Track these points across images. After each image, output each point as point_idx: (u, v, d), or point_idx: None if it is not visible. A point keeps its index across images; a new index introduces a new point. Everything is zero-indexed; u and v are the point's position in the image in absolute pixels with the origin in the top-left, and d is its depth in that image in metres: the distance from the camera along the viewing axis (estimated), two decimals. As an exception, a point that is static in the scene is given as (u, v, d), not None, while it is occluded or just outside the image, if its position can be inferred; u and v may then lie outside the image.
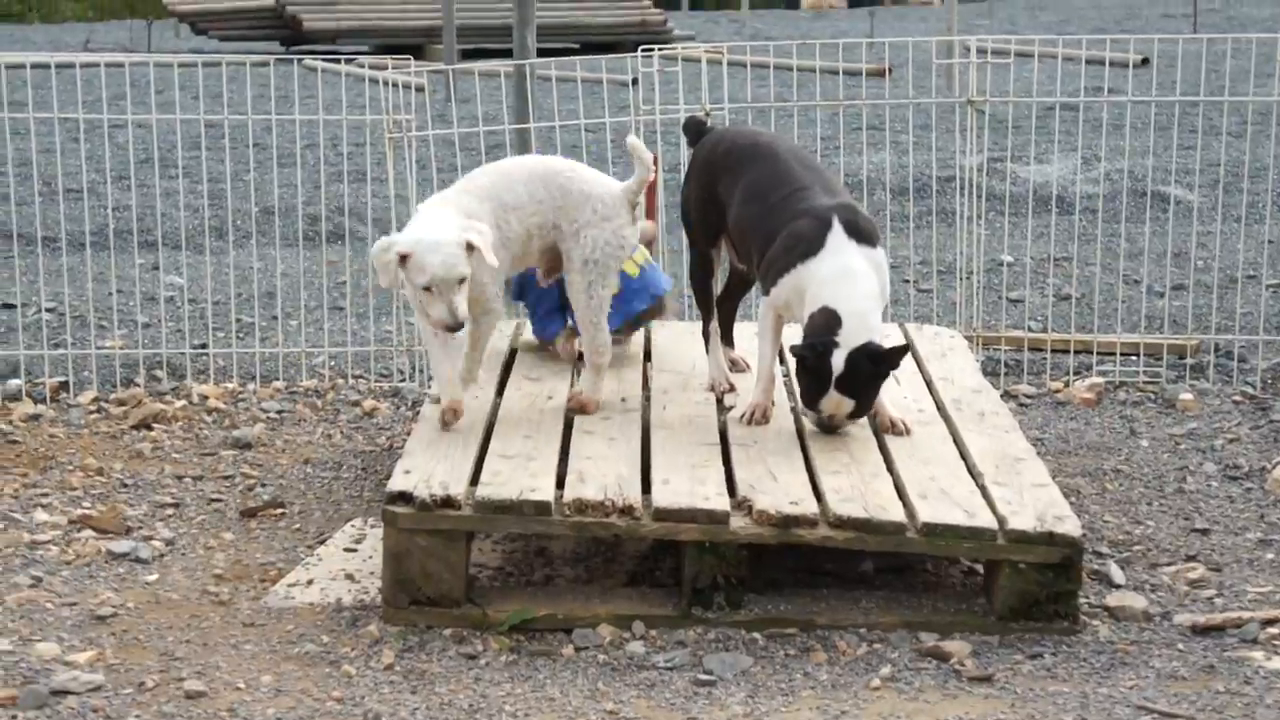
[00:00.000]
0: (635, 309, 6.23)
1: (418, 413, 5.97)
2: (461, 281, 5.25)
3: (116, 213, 9.24)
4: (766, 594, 5.06)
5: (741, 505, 5.06)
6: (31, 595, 5.12)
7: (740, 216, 5.76)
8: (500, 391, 5.93)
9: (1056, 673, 4.66)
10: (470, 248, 5.26)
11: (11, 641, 4.73)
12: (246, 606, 5.16)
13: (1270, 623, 4.87)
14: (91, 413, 7.01)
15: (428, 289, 5.23)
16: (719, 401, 5.97)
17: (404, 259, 5.24)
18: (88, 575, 5.36)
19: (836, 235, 5.46)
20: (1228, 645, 4.79)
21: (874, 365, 5.38)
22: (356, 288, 8.50)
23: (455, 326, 5.28)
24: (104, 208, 9.30)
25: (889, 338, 5.52)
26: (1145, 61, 15.33)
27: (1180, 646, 4.77)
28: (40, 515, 5.88)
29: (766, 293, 5.67)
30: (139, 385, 7.30)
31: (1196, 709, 4.40)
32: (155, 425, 6.82)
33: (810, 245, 5.48)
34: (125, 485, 6.24)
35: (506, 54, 10.25)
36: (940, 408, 6.00)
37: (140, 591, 5.26)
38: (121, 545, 5.59)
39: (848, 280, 5.42)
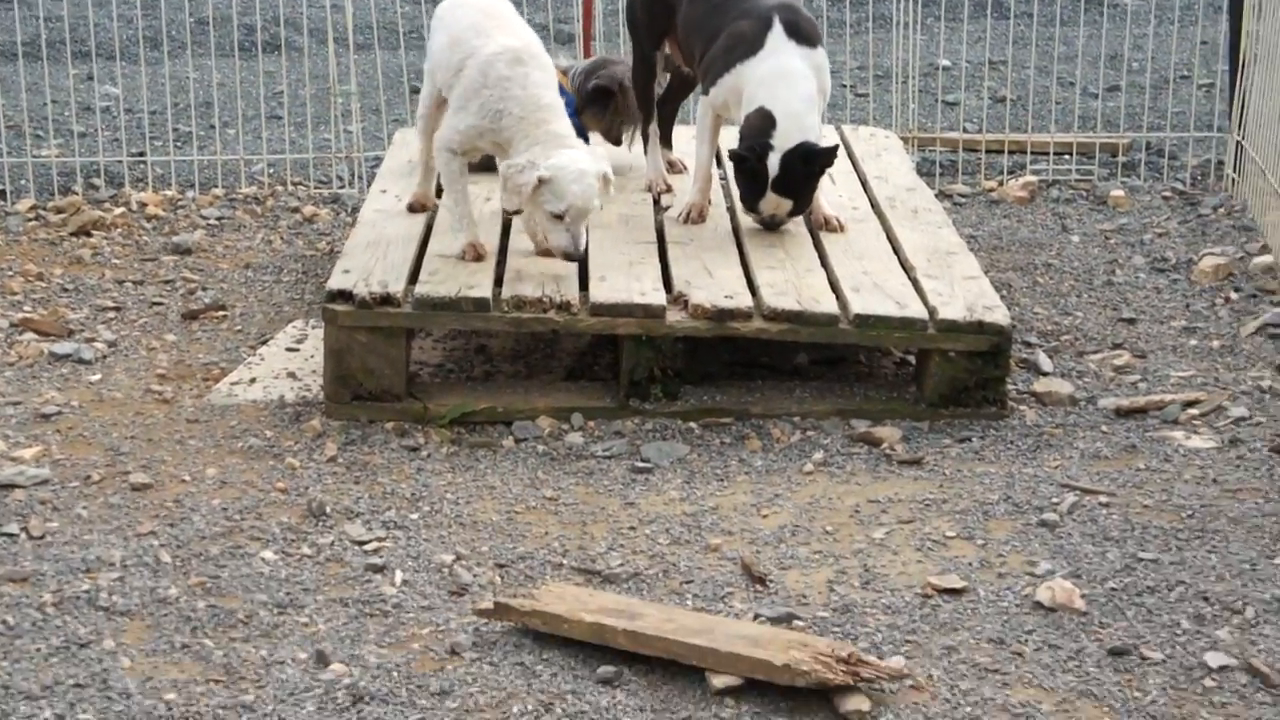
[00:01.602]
0: None
1: (357, 218, 6.00)
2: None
3: (49, 23, 9.11)
4: (702, 386, 5.16)
5: (677, 300, 5.14)
6: (-26, 396, 5.20)
7: (687, 15, 5.77)
8: (439, 194, 5.96)
9: (984, 455, 4.79)
10: (606, 180, 5.19)
11: (-44, 440, 4.82)
12: (190, 404, 5.24)
13: (1191, 404, 5.02)
14: (30, 220, 7.00)
15: (559, 216, 5.11)
16: (656, 201, 6.02)
17: (541, 183, 5.08)
18: (31, 376, 5.41)
19: (776, 36, 5.47)
20: (1149, 426, 4.94)
21: (809, 165, 5.43)
22: (294, 97, 8.47)
23: (577, 257, 5.17)
24: (35, 18, 9.18)
25: (825, 139, 5.56)
26: None
27: (1104, 429, 4.91)
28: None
29: (706, 93, 5.69)
30: (77, 193, 7.29)
31: (1117, 485, 4.54)
32: (94, 232, 6.83)
33: (750, 45, 5.50)
34: (66, 290, 6.26)
35: None
36: (874, 205, 6.07)
37: (84, 391, 5.33)
38: (64, 347, 5.64)
39: (785, 81, 5.44)
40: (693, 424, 5.01)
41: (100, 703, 3.61)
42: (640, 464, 4.77)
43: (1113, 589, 4.04)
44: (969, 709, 3.61)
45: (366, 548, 4.32)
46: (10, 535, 4.32)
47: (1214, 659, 3.74)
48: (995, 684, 3.70)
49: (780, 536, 4.38)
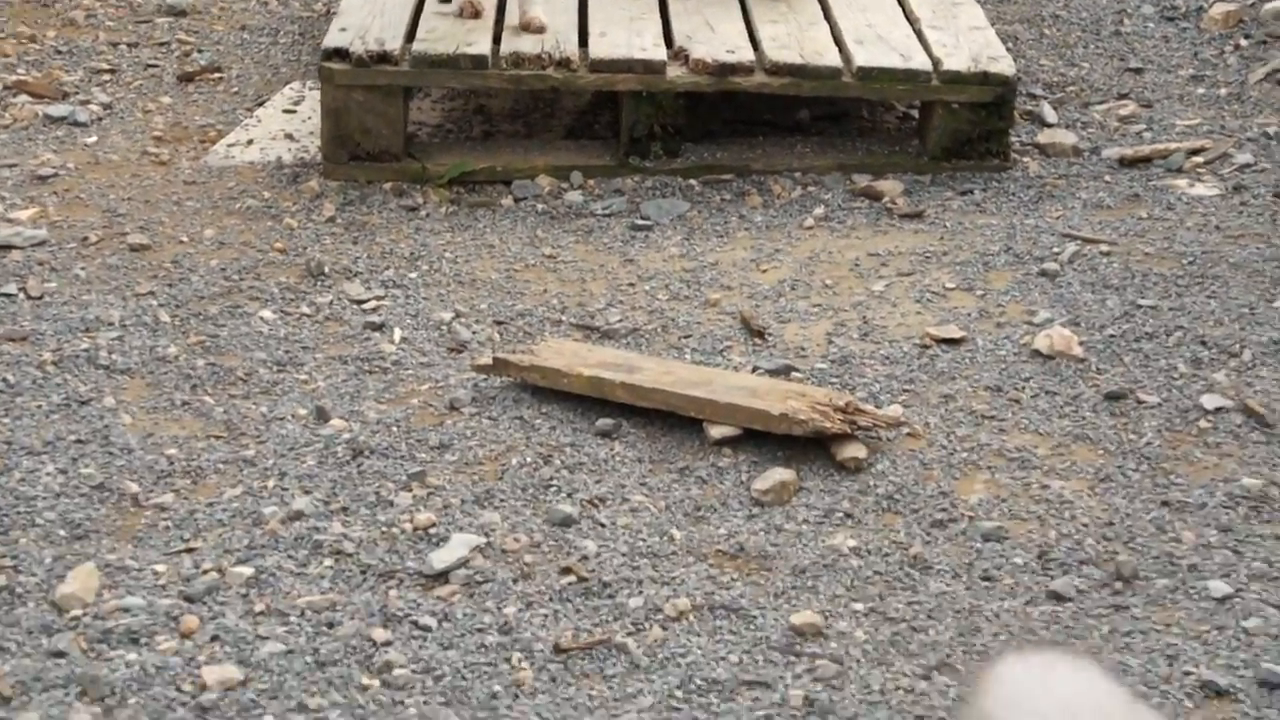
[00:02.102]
0: None
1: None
2: None
3: None
4: (703, 144, 5.12)
5: (678, 55, 5.06)
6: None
7: None
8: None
9: (985, 207, 4.76)
10: None
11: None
12: (187, 166, 5.20)
13: (1195, 152, 4.97)
14: (22, -16, 6.92)
15: None
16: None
17: None
18: (26, 138, 5.38)
19: None
20: (1153, 175, 4.89)
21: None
22: None
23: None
24: None
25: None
26: None
27: (1107, 179, 4.87)
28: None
29: None
30: (68, -44, 7.19)
31: (1119, 234, 4.52)
32: (87, -6, 6.75)
33: None
34: (60, 52, 6.17)
35: None
36: (879, -44, 5.95)
37: (80, 153, 5.29)
38: (59, 109, 5.58)
39: None
40: (693, 181, 4.97)
41: (102, 457, 3.66)
42: (640, 221, 4.74)
43: (1111, 336, 4.04)
44: (965, 454, 3.64)
45: (365, 306, 4.33)
46: (8, 295, 4.34)
47: (1210, 401, 3.75)
48: (991, 430, 3.72)
49: (779, 291, 4.37)
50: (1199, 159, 4.92)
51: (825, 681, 2.98)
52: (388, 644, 3.12)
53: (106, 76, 5.97)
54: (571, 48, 5.06)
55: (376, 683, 3.03)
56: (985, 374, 3.91)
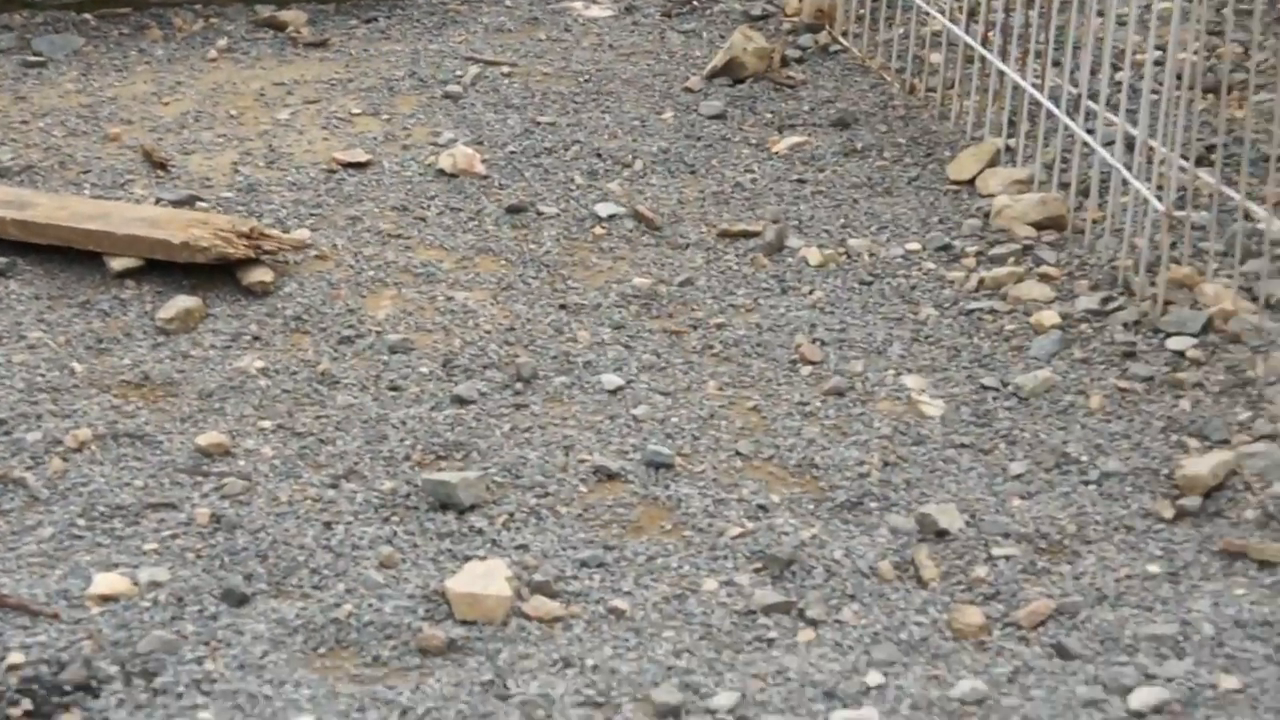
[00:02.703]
0: None
1: None
2: None
3: None
4: None
5: None
6: None
7: None
8: None
9: (390, 34, 4.78)
10: None
11: None
12: None
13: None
14: None
15: None
16: None
17: None
18: None
19: None
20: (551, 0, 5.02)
21: None
22: None
23: None
24: None
25: None
26: None
27: (508, 3, 4.95)
28: None
29: None
30: None
31: (519, 56, 4.62)
32: None
33: None
34: None
35: None
36: None
37: None
38: None
39: None
40: (88, 15, 4.78)
41: None
42: (32, 58, 4.55)
43: (512, 152, 4.14)
44: (372, 273, 3.68)
45: None
46: None
47: (604, 209, 3.90)
48: (398, 248, 3.76)
49: (183, 123, 4.28)
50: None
51: (233, 498, 2.98)
52: None
53: None
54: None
55: None
56: (392, 195, 3.95)
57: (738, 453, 3.15)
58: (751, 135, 4.28)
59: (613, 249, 3.77)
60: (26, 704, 2.53)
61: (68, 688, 2.56)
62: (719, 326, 3.53)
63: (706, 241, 3.83)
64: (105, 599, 2.77)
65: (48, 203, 3.80)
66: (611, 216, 3.87)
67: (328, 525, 2.93)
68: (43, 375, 3.30)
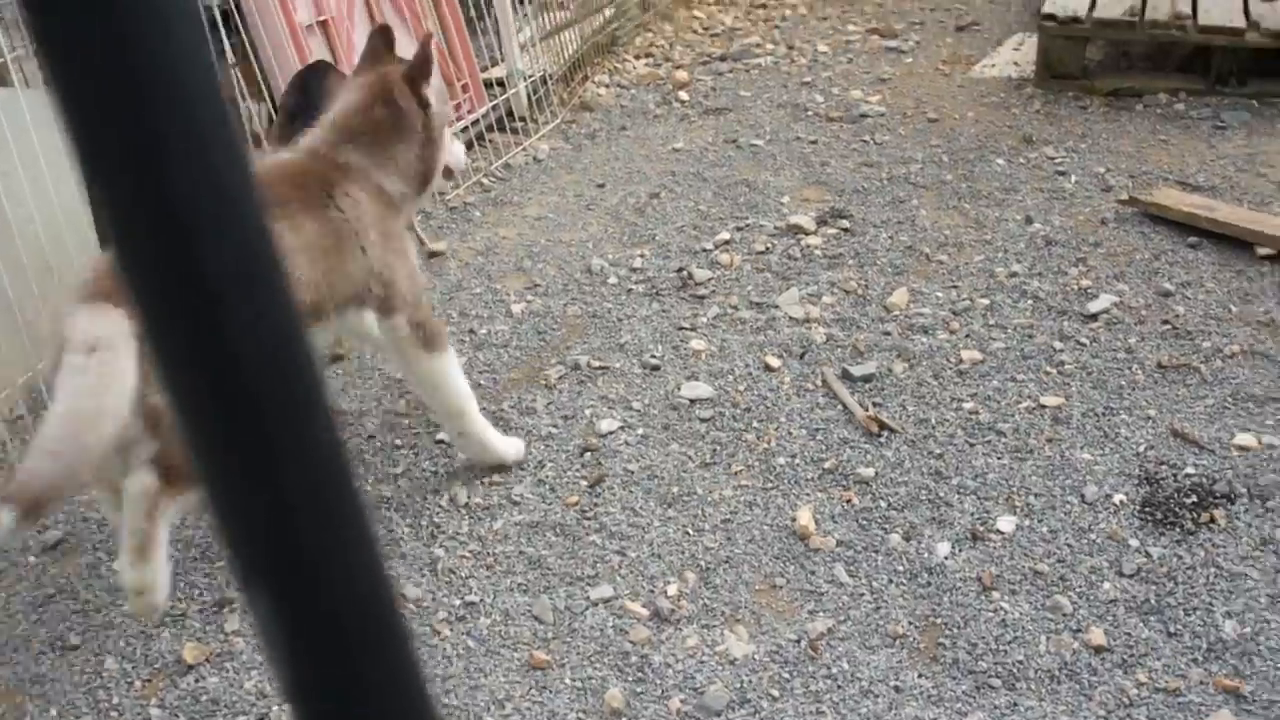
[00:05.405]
0: None
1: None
2: None
3: None
4: (1264, 79, 6.90)
5: (1253, 26, 6.91)
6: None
7: None
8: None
9: None
10: None
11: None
12: (959, 77, 7.67)
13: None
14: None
15: None
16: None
17: None
18: (871, 62, 8.03)
19: None
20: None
21: None
22: None
23: None
24: None
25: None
26: None
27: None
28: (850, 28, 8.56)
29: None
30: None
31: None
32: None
33: None
34: (892, 13, 8.73)
35: None
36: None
37: (902, 67, 7.90)
38: (891, 43, 8.28)
39: None
40: (1254, 101, 6.71)
41: (910, 232, 6.05)
42: (1218, 124, 6.71)
43: None
44: None
45: (1055, 161, 6.40)
46: (864, 141, 6.88)
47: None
48: None
49: None
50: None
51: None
52: (1062, 350, 4.54)
53: (917, 26, 8.67)
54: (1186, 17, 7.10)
55: (1054, 371, 4.41)
56: None
57: None
58: None
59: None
60: (1193, 498, 3.66)
61: (1217, 495, 3.59)
62: None
63: None
64: (1241, 449, 3.87)
65: (1226, 209, 5.49)
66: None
67: None
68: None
